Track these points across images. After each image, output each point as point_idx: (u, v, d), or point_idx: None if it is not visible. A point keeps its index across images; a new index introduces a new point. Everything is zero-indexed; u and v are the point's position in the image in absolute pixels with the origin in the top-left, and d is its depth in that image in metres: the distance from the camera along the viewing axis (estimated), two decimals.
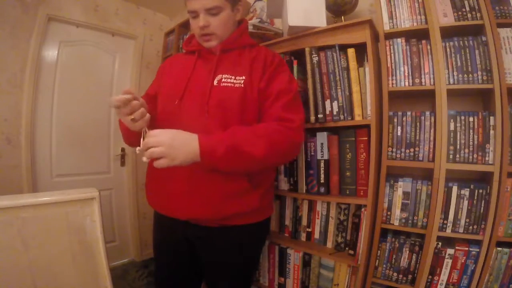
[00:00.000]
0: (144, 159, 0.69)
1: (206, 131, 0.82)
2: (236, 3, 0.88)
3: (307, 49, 1.15)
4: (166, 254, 0.97)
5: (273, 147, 0.77)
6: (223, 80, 0.86)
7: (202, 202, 0.83)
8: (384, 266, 1.10)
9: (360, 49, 1.08)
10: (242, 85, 0.84)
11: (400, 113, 1.08)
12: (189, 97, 0.87)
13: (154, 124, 0.99)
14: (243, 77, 0.85)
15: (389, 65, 1.09)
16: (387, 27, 1.10)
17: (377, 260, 1.10)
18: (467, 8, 1.01)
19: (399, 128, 1.08)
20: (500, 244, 0.94)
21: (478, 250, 0.96)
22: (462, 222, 0.99)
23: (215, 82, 0.86)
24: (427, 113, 1.05)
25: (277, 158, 0.82)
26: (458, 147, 1.01)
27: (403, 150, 1.08)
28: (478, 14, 0.99)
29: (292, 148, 0.83)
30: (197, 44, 0.93)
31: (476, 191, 0.98)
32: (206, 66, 0.89)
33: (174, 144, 0.69)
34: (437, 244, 1.01)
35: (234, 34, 0.91)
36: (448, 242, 1.02)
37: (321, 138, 1.15)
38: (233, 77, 0.86)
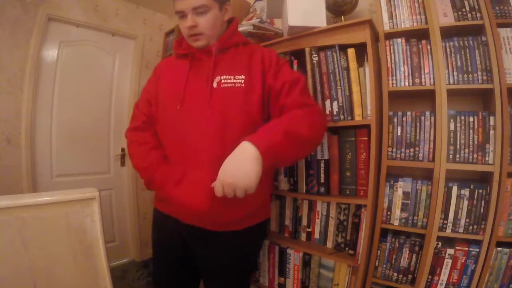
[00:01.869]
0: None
1: (210, 134, 0.82)
2: (224, 3, 0.87)
3: (307, 49, 1.15)
4: (165, 254, 0.98)
5: (313, 127, 0.79)
6: (223, 81, 0.85)
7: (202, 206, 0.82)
8: (384, 266, 1.10)
9: (360, 49, 1.08)
10: (243, 85, 0.84)
11: (400, 113, 1.08)
12: (189, 101, 0.86)
13: (157, 132, 0.99)
14: (243, 76, 0.85)
15: (389, 65, 1.09)
16: (387, 27, 1.10)
17: (377, 260, 1.10)
18: (467, 8, 1.01)
19: (399, 128, 1.08)
20: (500, 244, 0.94)
21: (478, 250, 0.96)
22: (462, 222, 0.99)
23: (215, 84, 0.85)
24: (427, 113, 1.05)
25: (318, 138, 0.85)
26: (458, 147, 1.01)
27: (403, 150, 1.08)
28: (478, 14, 0.99)
29: (324, 127, 0.89)
30: (189, 47, 0.92)
31: (476, 191, 0.98)
32: (202, 68, 0.89)
33: (231, 170, 0.65)
34: (437, 244, 1.01)
35: (226, 34, 0.90)
36: (448, 242, 1.02)
37: None
38: (232, 77, 0.85)
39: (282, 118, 0.79)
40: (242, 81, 0.84)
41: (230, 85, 0.84)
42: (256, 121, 0.85)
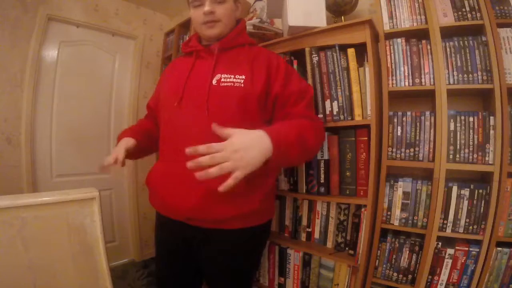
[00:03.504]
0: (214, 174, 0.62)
1: (207, 132, 0.82)
2: None
3: (307, 49, 1.15)
4: (167, 254, 0.97)
5: (317, 138, 0.84)
6: (222, 79, 0.85)
7: (196, 202, 0.82)
8: (384, 266, 1.10)
9: (360, 49, 1.08)
10: (242, 85, 0.84)
11: (400, 113, 1.08)
12: (188, 98, 0.87)
13: (158, 130, 1.01)
14: (243, 76, 0.85)
15: (389, 65, 1.09)
16: (387, 27, 1.10)
17: (377, 260, 1.10)
18: (467, 8, 1.01)
19: (399, 128, 1.08)
20: (500, 244, 0.94)
21: (478, 250, 0.96)
22: (462, 222, 0.99)
23: (214, 82, 0.85)
24: (427, 113, 1.05)
25: (317, 149, 0.92)
26: (458, 147, 1.01)
27: (403, 150, 1.08)
28: (478, 14, 0.99)
29: (323, 141, 0.95)
30: (195, 45, 0.93)
31: (476, 191, 0.98)
32: (204, 66, 0.89)
33: (248, 145, 0.64)
34: (437, 244, 1.01)
35: (232, 33, 0.91)
36: (448, 242, 1.02)
37: None
38: (232, 76, 0.85)
39: (292, 122, 0.82)
40: (242, 81, 0.84)
41: (229, 84, 0.84)
42: (254, 122, 0.85)
